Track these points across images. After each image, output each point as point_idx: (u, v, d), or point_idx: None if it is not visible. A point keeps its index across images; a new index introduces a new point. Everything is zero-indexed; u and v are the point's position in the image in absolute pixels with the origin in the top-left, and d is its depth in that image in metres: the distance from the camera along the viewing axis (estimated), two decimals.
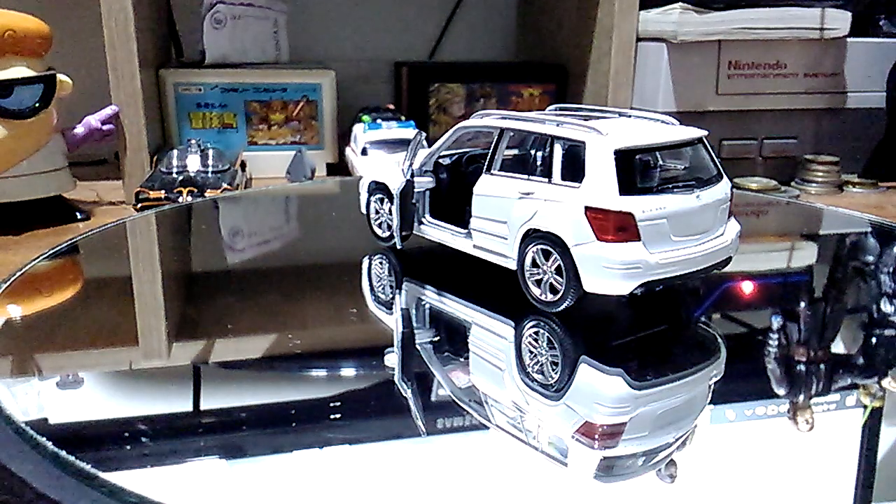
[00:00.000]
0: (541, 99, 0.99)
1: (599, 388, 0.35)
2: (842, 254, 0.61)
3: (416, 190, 0.47)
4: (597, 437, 0.31)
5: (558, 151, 0.39)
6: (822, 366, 0.39)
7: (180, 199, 0.67)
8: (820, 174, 0.85)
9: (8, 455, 0.27)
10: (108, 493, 0.26)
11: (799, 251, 0.61)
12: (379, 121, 0.88)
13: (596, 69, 0.91)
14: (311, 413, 0.34)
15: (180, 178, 0.71)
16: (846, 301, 0.50)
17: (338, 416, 0.33)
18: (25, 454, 0.28)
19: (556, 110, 0.45)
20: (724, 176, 0.41)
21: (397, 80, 1.07)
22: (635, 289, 0.37)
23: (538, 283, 0.40)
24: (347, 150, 0.92)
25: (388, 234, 0.50)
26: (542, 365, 0.36)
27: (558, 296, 0.39)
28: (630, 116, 0.43)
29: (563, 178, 0.39)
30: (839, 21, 0.85)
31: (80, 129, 0.72)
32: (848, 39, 0.87)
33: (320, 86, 0.90)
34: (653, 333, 0.41)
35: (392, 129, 0.86)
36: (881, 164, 0.89)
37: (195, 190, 0.69)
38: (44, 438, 0.28)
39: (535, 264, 0.40)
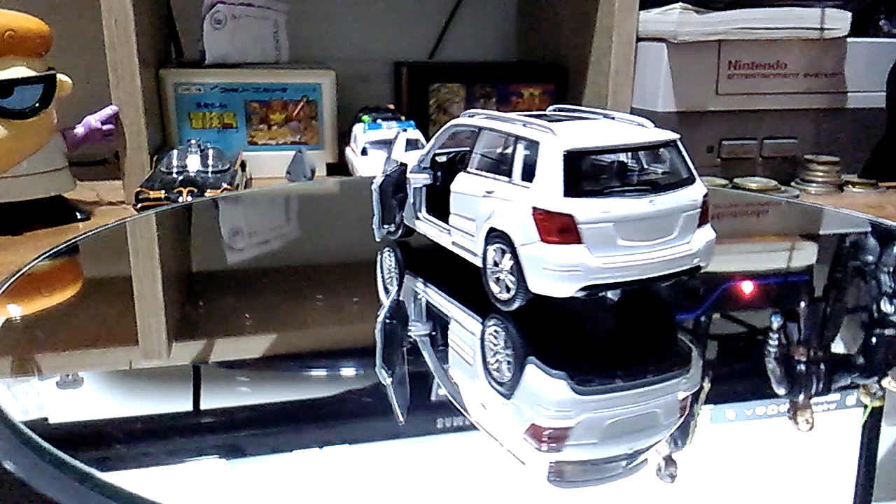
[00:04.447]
0: (541, 99, 0.99)
1: (541, 390, 0.34)
2: (842, 254, 0.61)
3: (413, 186, 0.47)
4: (541, 439, 0.31)
5: (520, 151, 0.39)
6: (822, 365, 0.39)
7: (180, 199, 0.67)
8: (820, 174, 0.85)
9: (7, 455, 0.27)
10: (108, 493, 0.26)
11: (799, 251, 0.61)
12: (379, 121, 0.88)
13: (596, 69, 0.91)
14: (311, 413, 0.34)
15: (180, 178, 0.71)
16: (846, 301, 0.50)
17: (338, 416, 0.33)
18: (24, 454, 0.28)
19: (555, 110, 0.45)
20: (697, 181, 0.40)
21: (397, 80, 1.07)
22: (577, 292, 0.37)
23: (498, 280, 0.40)
24: (347, 150, 0.92)
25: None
26: (499, 363, 0.36)
27: (511, 295, 0.39)
28: (613, 118, 0.42)
29: (522, 178, 0.39)
30: (839, 21, 0.85)
31: (80, 129, 0.72)
32: (848, 39, 0.87)
33: (320, 86, 0.90)
34: (622, 339, 0.41)
35: (392, 129, 0.86)
36: (881, 164, 0.89)
37: (195, 190, 0.69)
38: (43, 438, 0.28)
39: (496, 262, 0.40)
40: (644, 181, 0.39)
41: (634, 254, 0.37)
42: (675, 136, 0.40)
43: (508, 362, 0.36)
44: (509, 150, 0.41)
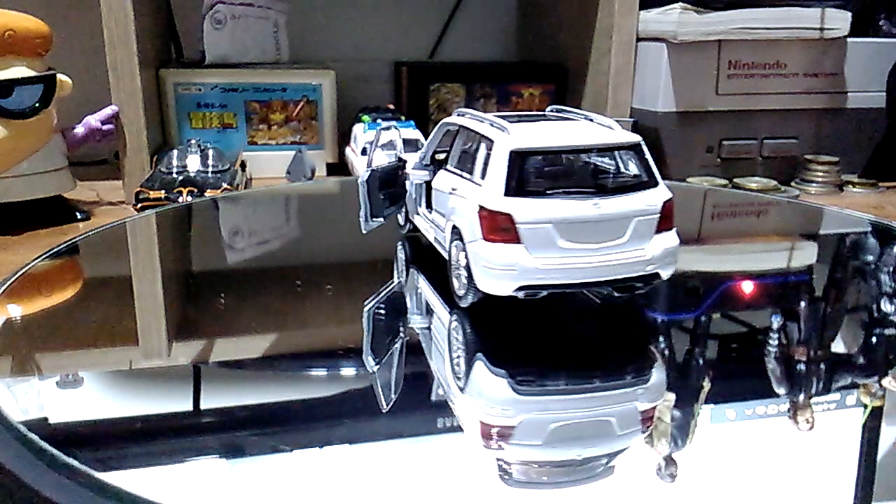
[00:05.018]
0: (541, 99, 0.99)
1: (484, 388, 0.34)
2: (842, 254, 0.61)
3: (413, 182, 0.48)
4: (485, 435, 0.31)
5: (482, 150, 0.40)
6: (822, 365, 0.39)
7: (180, 199, 0.67)
8: (820, 174, 0.85)
9: (6, 455, 0.27)
10: (108, 493, 0.26)
11: (799, 251, 0.61)
12: (379, 121, 0.88)
13: (596, 69, 0.91)
14: (311, 413, 0.34)
15: (180, 178, 0.71)
16: (846, 301, 0.50)
17: (338, 416, 0.33)
18: (24, 454, 0.28)
19: (553, 111, 0.45)
20: (660, 186, 0.39)
21: (397, 80, 1.07)
22: (515, 291, 0.37)
23: (458, 276, 0.41)
24: (347, 150, 0.92)
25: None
26: (459, 358, 0.37)
27: (464, 291, 0.40)
28: (592, 121, 0.42)
29: (481, 177, 0.39)
30: (839, 21, 0.85)
31: (80, 129, 0.72)
32: (848, 39, 0.87)
33: (320, 86, 0.90)
34: (587, 342, 0.40)
35: (390, 130, 0.86)
36: (881, 164, 0.89)
37: (195, 190, 0.69)
38: (43, 438, 0.28)
39: (457, 258, 0.40)
40: (593, 184, 0.38)
41: (577, 256, 0.36)
42: (636, 139, 0.39)
43: (466, 358, 0.37)
44: (475, 149, 0.41)
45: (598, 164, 0.40)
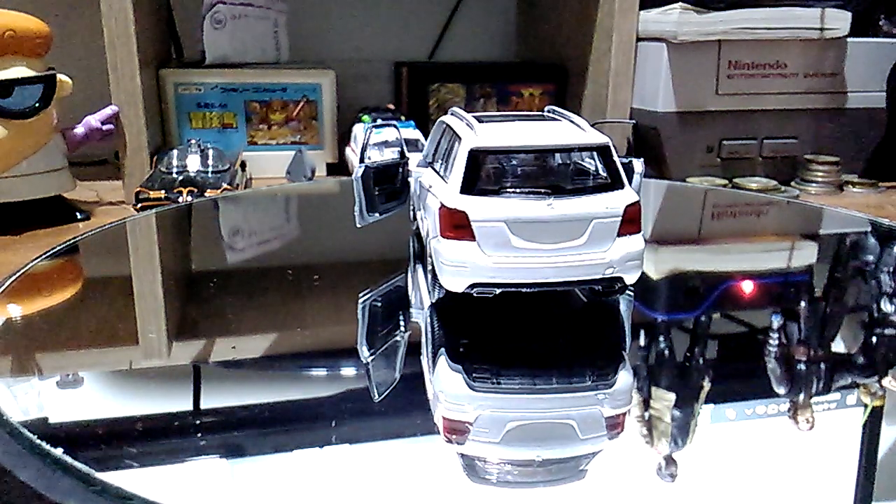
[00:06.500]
0: (540, 99, 0.99)
1: (442, 382, 0.35)
2: (842, 254, 0.61)
3: (417, 179, 0.48)
4: (444, 429, 0.31)
5: (454, 148, 0.40)
6: (822, 365, 0.39)
7: (180, 199, 0.67)
8: (820, 174, 0.85)
9: (6, 455, 0.27)
10: (108, 493, 0.26)
11: (799, 251, 0.61)
12: (379, 121, 0.88)
13: (596, 69, 0.91)
14: (311, 413, 0.34)
15: (180, 178, 0.71)
16: (846, 301, 0.50)
17: (338, 416, 0.33)
18: (24, 455, 0.28)
19: (549, 111, 0.45)
20: (626, 189, 0.38)
21: (397, 80, 1.07)
22: (467, 289, 0.37)
23: (428, 273, 0.41)
24: (347, 150, 0.92)
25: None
26: (434, 352, 0.37)
27: (432, 287, 0.40)
28: (559, 120, 0.42)
29: (449, 174, 0.39)
30: (839, 21, 0.85)
31: (80, 129, 0.72)
32: (848, 39, 0.87)
33: (320, 86, 0.90)
34: (560, 343, 0.39)
35: (391, 131, 0.86)
36: (881, 164, 0.89)
37: (195, 190, 0.69)
38: (43, 439, 0.28)
39: (430, 255, 0.41)
40: (551, 184, 0.38)
41: (531, 256, 0.36)
42: (603, 140, 0.38)
43: (433, 354, 0.37)
44: (451, 147, 0.41)
45: (561, 164, 0.40)
